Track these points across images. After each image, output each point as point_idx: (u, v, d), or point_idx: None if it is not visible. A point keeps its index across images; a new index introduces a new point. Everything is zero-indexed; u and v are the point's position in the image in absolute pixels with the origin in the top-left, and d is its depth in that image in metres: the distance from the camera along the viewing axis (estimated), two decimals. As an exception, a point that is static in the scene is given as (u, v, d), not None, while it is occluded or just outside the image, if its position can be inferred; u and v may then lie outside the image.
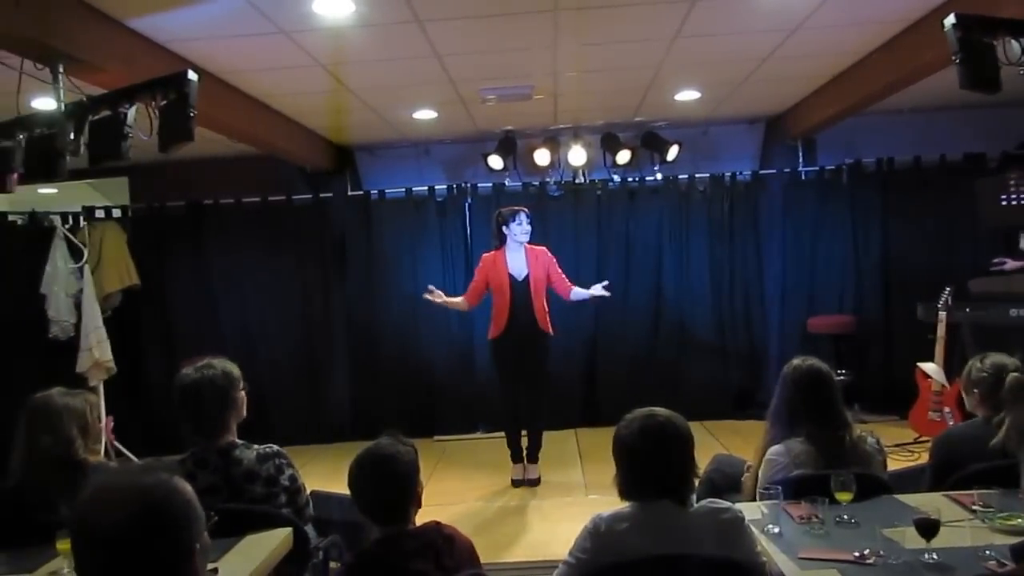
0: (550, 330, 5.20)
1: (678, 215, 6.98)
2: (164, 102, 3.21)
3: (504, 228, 5.17)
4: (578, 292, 5.27)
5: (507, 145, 6.97)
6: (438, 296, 5.17)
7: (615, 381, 6.87)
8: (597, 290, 5.18)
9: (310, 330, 7.07)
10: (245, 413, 2.83)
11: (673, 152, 6.95)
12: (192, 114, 3.18)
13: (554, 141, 7.05)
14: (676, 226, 6.98)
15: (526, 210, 5.23)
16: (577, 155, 6.98)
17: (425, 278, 6.69)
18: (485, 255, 5.35)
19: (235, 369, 2.80)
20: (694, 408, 5.79)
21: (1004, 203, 4.87)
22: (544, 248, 5.33)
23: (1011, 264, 5.04)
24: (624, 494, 2.18)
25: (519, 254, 5.19)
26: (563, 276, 5.31)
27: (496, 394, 5.56)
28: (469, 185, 7.05)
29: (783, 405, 2.81)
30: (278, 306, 7.06)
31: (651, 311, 7.00)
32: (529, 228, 5.15)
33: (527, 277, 5.16)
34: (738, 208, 6.97)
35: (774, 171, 6.99)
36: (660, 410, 2.17)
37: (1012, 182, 4.89)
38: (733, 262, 6.96)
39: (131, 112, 3.27)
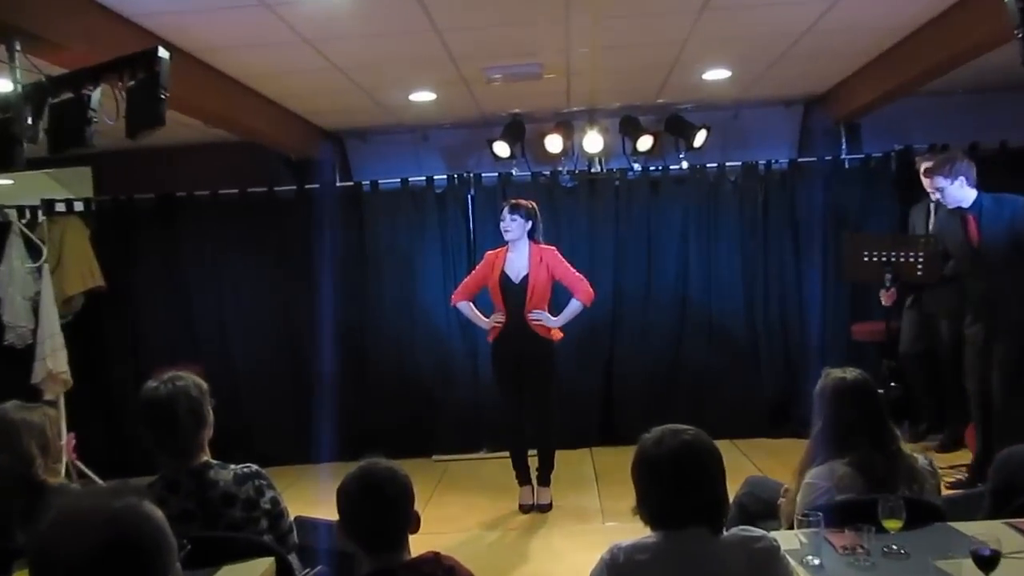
0: (551, 336, 5.21)
1: (706, 208, 6.96)
2: (132, 83, 3.23)
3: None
4: (573, 306, 5.25)
5: (514, 130, 6.96)
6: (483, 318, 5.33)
7: (635, 395, 6.86)
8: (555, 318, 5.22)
9: (294, 336, 7.07)
10: (213, 430, 2.82)
11: (700, 138, 6.92)
12: (163, 96, 3.18)
13: (567, 126, 7.05)
14: (704, 221, 6.96)
15: (512, 203, 5.22)
16: (593, 141, 6.96)
17: (423, 277, 6.95)
18: (488, 253, 5.41)
19: (203, 382, 2.80)
20: (724, 425, 6.03)
21: (866, 259, 5.33)
22: (553, 249, 5.33)
23: (886, 296, 5.39)
24: (647, 522, 2.16)
25: (522, 253, 5.21)
26: (578, 276, 5.25)
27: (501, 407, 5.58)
28: (472, 175, 7.05)
29: (824, 422, 2.81)
30: (259, 310, 7.06)
31: (675, 316, 6.99)
32: (512, 225, 5.13)
33: (525, 279, 5.16)
34: (774, 200, 6.94)
35: (814, 159, 6.94)
36: (686, 427, 2.17)
37: (874, 243, 5.42)
38: (768, 261, 6.94)
39: (95, 94, 3.31)
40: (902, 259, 5.26)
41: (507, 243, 5.26)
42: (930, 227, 5.61)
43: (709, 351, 6.94)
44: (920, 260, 5.22)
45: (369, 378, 7.05)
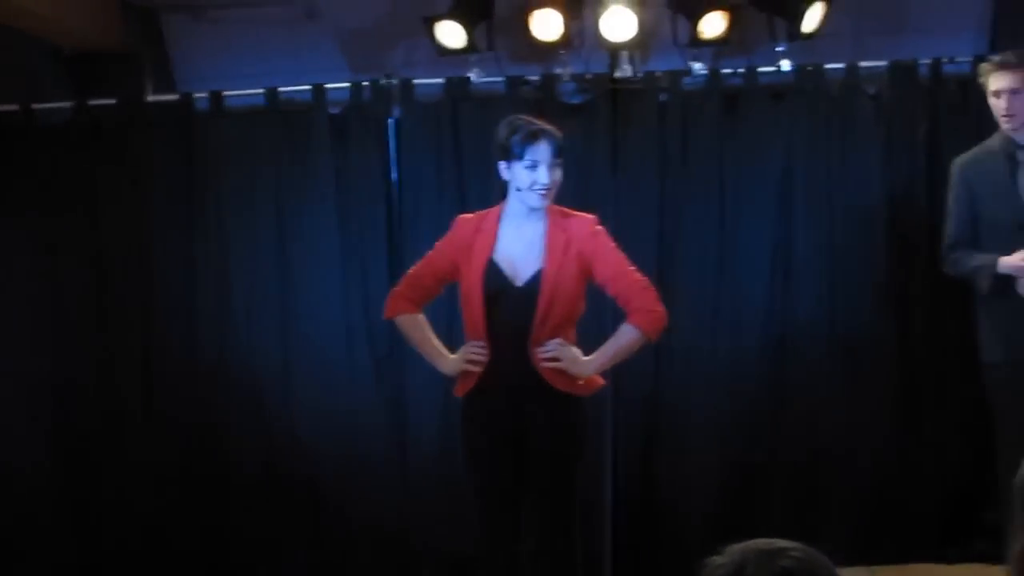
0: (579, 388, 4.80)
1: (825, 146, 6.41)
2: None
3: (506, 166, 4.76)
4: (625, 335, 4.83)
5: (474, 1, 6.34)
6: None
7: (693, 488, 6.36)
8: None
9: (65, 399, 6.49)
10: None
11: (815, 16, 6.23)
12: None
13: (572, -7, 6.77)
14: (822, 165, 6.41)
15: (555, 133, 4.78)
16: (618, 23, 6.24)
17: (306, 273, 6.60)
18: (463, 218, 5.06)
19: None
20: (854, 540, 6.01)
21: None
22: (591, 219, 4.97)
23: None
24: None
25: (532, 226, 4.84)
26: (639, 278, 4.81)
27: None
28: (397, 83, 6.51)
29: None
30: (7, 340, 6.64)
31: (767, 340, 6.41)
32: (554, 179, 4.67)
33: (536, 279, 4.75)
34: (949, 129, 6.33)
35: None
36: (785, 544, 1.92)
37: None
38: (934, 237, 6.22)
39: None
40: None
41: (502, 203, 4.86)
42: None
43: (826, 404, 6.38)
44: None
45: (207, 471, 6.45)
